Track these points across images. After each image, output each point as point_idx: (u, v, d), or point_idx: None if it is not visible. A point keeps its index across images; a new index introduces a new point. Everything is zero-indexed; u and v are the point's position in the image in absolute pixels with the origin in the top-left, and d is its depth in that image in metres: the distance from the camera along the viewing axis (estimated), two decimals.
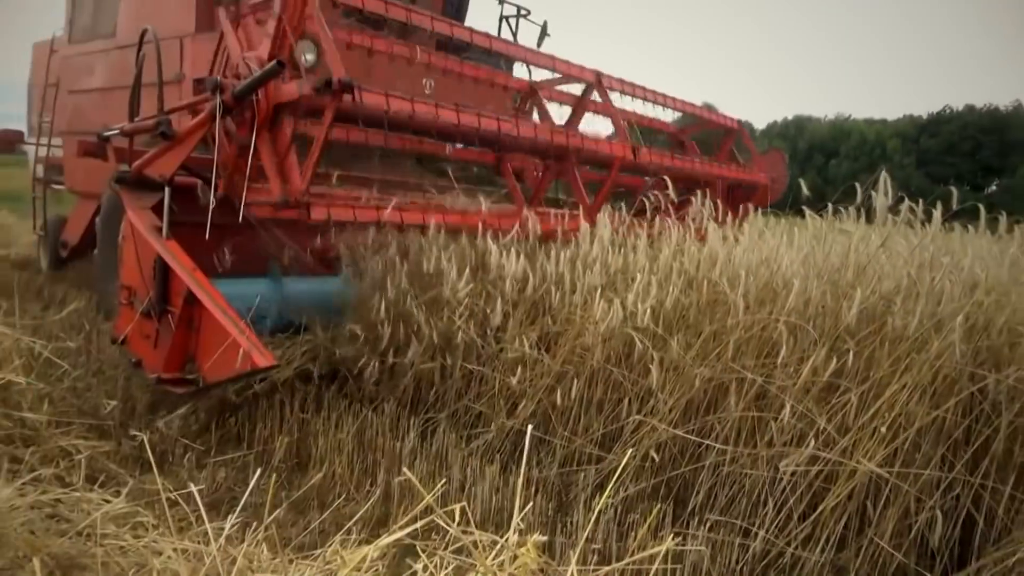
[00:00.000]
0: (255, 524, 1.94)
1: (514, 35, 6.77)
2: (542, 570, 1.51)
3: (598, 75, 5.09)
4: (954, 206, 2.95)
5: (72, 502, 2.09)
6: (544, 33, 6.69)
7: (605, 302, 3.18)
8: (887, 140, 47.17)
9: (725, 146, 6.31)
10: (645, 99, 5.42)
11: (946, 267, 2.86)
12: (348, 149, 4.63)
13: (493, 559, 1.52)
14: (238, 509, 1.92)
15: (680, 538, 2.52)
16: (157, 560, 1.77)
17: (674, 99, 5.65)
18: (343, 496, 3.00)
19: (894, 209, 3.01)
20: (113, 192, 4.87)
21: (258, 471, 2.32)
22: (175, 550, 1.81)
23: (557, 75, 5.17)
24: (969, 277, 2.83)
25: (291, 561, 1.82)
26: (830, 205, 3.52)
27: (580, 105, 5.56)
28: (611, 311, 3.13)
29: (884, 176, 2.91)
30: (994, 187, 44.94)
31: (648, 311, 3.15)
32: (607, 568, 1.64)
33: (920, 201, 3.00)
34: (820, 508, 2.53)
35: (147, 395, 3.70)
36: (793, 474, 2.59)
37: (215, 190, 3.49)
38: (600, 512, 2.43)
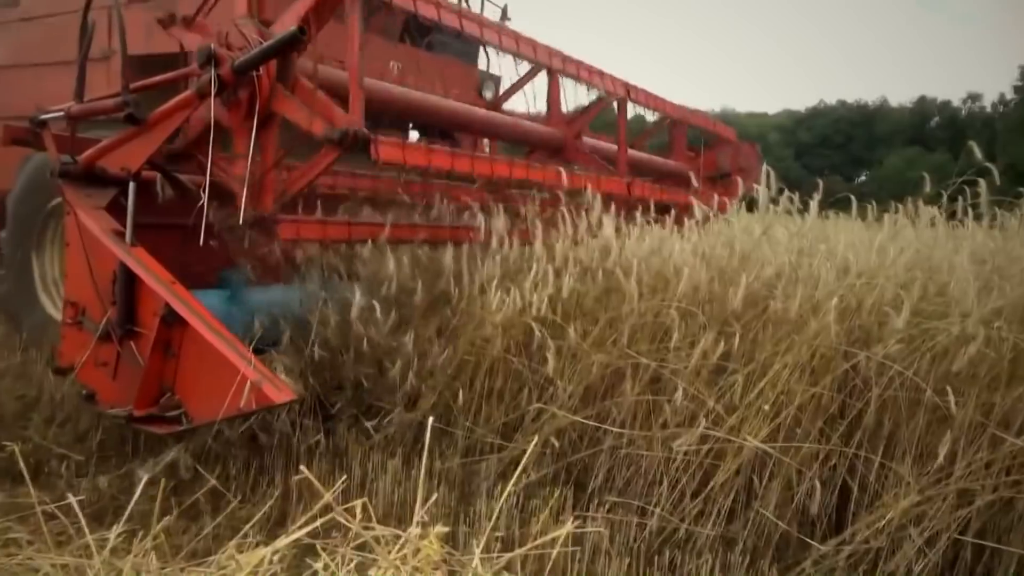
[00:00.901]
0: (142, 533, 1.84)
1: None
2: (445, 561, 1.51)
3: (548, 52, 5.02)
4: (820, 195, 3.16)
5: None
6: (504, 17, 6.60)
7: (503, 292, 3.20)
8: (768, 133, 49.57)
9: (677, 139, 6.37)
10: (590, 84, 5.38)
11: (822, 253, 3.04)
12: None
13: (396, 553, 1.51)
14: (124, 519, 1.82)
15: (580, 520, 2.58)
16: None
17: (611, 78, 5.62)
18: (238, 498, 2.90)
19: (775, 199, 3.19)
20: (28, 186, 4.32)
21: (144, 477, 2.20)
22: (53, 566, 1.70)
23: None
24: (842, 262, 3.03)
25: (183, 569, 1.75)
26: (716, 196, 3.68)
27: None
28: (508, 301, 3.15)
29: (766, 168, 3.07)
30: (863, 177, 48.16)
31: (545, 300, 3.19)
32: (510, 555, 1.65)
33: (798, 191, 3.19)
34: (711, 484, 2.66)
35: (15, 402, 3.44)
36: (686, 453, 2.70)
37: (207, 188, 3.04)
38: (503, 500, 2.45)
